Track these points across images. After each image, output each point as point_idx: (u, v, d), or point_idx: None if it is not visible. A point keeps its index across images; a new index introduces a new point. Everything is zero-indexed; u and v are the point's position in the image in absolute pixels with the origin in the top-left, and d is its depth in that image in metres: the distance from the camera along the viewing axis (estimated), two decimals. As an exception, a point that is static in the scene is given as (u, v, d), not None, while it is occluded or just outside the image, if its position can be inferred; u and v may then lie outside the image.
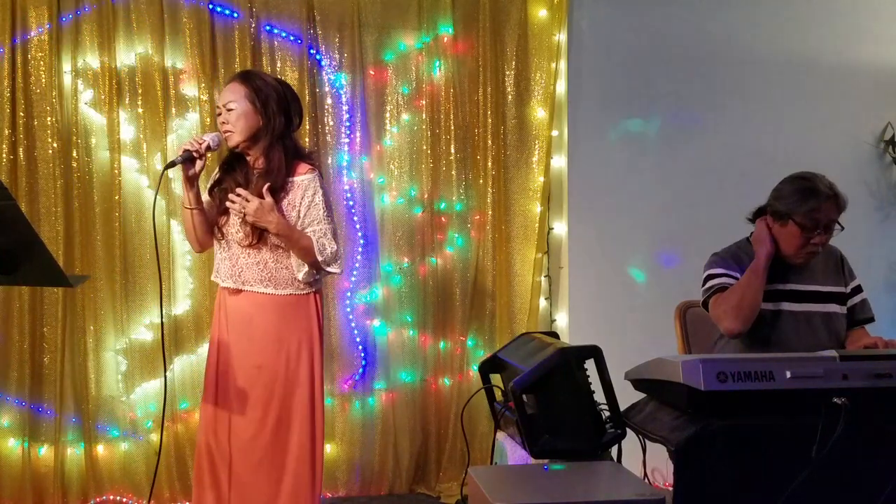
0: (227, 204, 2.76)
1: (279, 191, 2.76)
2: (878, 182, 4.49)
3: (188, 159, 2.70)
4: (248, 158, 2.83)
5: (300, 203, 2.77)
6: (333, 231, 2.81)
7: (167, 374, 3.79)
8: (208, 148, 2.74)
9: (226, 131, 2.76)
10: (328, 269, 2.81)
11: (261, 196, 2.70)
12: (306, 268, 2.79)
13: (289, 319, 2.80)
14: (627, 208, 4.20)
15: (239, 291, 2.80)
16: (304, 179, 2.79)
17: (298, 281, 2.80)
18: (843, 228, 2.77)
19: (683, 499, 2.03)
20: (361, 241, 4.00)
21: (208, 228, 2.84)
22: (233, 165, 2.85)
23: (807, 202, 2.71)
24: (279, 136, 2.79)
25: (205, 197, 2.87)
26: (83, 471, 3.74)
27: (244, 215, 2.70)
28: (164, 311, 3.80)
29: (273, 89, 2.80)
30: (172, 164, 2.71)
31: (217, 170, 2.91)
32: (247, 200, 2.68)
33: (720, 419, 2.00)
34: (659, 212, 4.22)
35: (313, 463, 2.82)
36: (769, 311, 2.78)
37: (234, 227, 2.79)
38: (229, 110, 2.75)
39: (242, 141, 2.77)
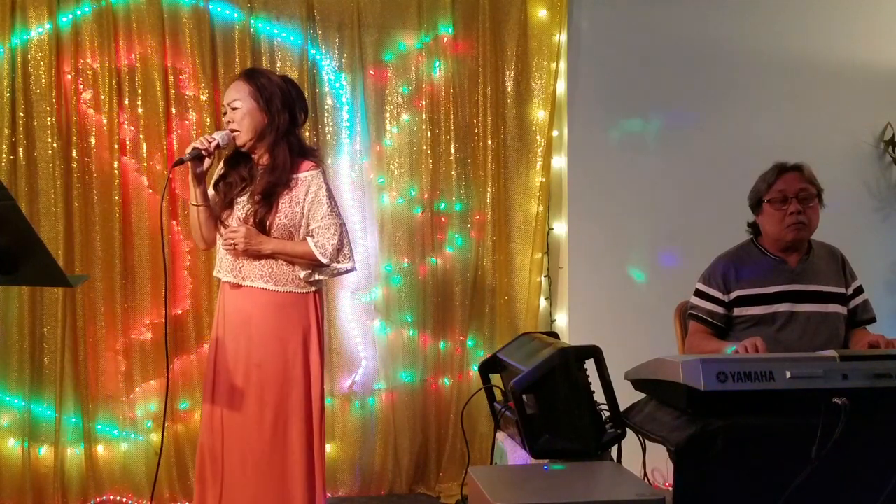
0: (223, 243, 2.82)
1: (283, 187, 2.77)
2: (878, 182, 4.49)
3: (197, 157, 2.72)
4: (253, 156, 2.84)
5: (304, 199, 2.79)
6: (338, 226, 2.81)
7: (171, 374, 3.79)
8: (217, 146, 2.76)
9: (232, 130, 2.78)
10: (337, 265, 2.81)
11: (257, 203, 2.75)
12: (310, 268, 2.80)
13: (288, 318, 2.81)
14: (627, 208, 4.20)
15: (239, 286, 2.81)
16: (307, 176, 2.81)
17: (299, 279, 2.81)
18: (822, 201, 2.84)
19: (683, 499, 2.04)
20: (361, 242, 4.00)
21: (214, 225, 2.86)
22: (237, 161, 2.86)
23: (767, 179, 2.87)
24: (284, 134, 2.81)
25: (210, 192, 2.89)
26: (83, 471, 3.73)
27: (235, 247, 2.75)
28: (164, 311, 3.81)
29: (277, 86, 2.81)
30: (181, 161, 2.73)
31: (221, 165, 2.91)
32: (234, 233, 2.75)
33: (720, 419, 2.00)
34: (659, 212, 4.22)
35: (314, 462, 2.82)
36: (770, 312, 2.80)
37: (237, 222, 2.79)
38: (234, 109, 2.78)
39: (248, 140, 2.78)
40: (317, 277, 2.84)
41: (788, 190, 2.80)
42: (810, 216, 2.81)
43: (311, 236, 2.80)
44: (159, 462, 2.94)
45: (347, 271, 2.89)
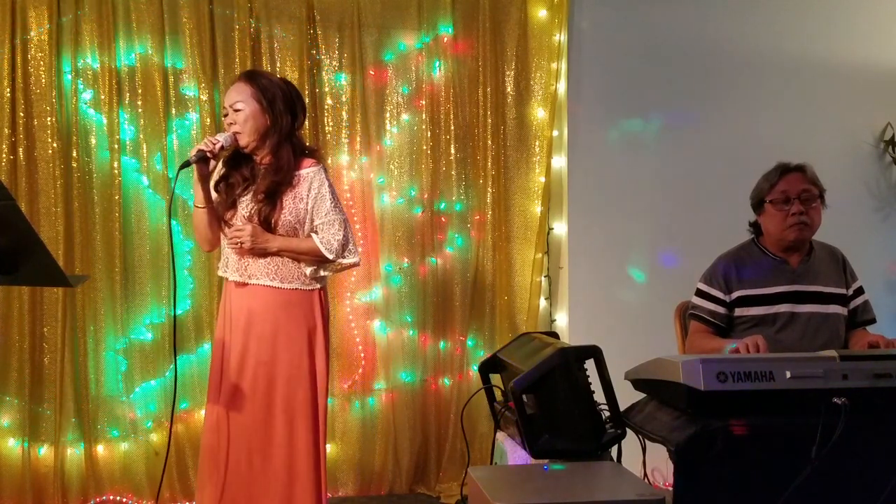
0: (227, 243, 2.82)
1: (285, 186, 2.77)
2: (878, 182, 4.49)
3: (202, 159, 2.73)
4: (254, 157, 2.84)
5: (307, 195, 2.79)
6: (342, 221, 2.83)
7: (169, 373, 3.80)
8: (221, 148, 2.76)
9: (234, 132, 2.78)
10: (343, 261, 2.83)
11: (261, 202, 2.76)
12: (315, 265, 2.81)
13: (294, 316, 2.81)
14: (627, 208, 4.20)
15: (245, 285, 2.81)
16: (309, 172, 2.82)
17: (305, 276, 2.81)
18: (824, 201, 2.84)
19: (683, 499, 2.03)
20: (361, 241, 4.00)
21: (218, 226, 2.86)
22: (238, 161, 2.87)
23: (769, 179, 2.86)
24: (286, 135, 2.81)
25: (213, 194, 2.89)
26: (83, 471, 3.73)
27: (241, 245, 2.75)
28: (164, 312, 3.81)
29: (278, 88, 2.82)
30: (187, 164, 2.73)
31: (221, 165, 2.92)
32: (240, 231, 2.75)
33: (720, 419, 2.00)
34: (659, 212, 4.22)
35: (318, 460, 2.82)
36: (771, 312, 2.80)
37: (241, 221, 2.80)
38: (237, 111, 2.78)
39: (251, 141, 2.79)
40: (322, 273, 2.85)
41: (791, 191, 2.80)
42: (812, 217, 2.81)
43: (315, 233, 2.81)
44: (166, 462, 2.94)
45: (352, 266, 2.90)
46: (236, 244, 2.77)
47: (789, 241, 2.83)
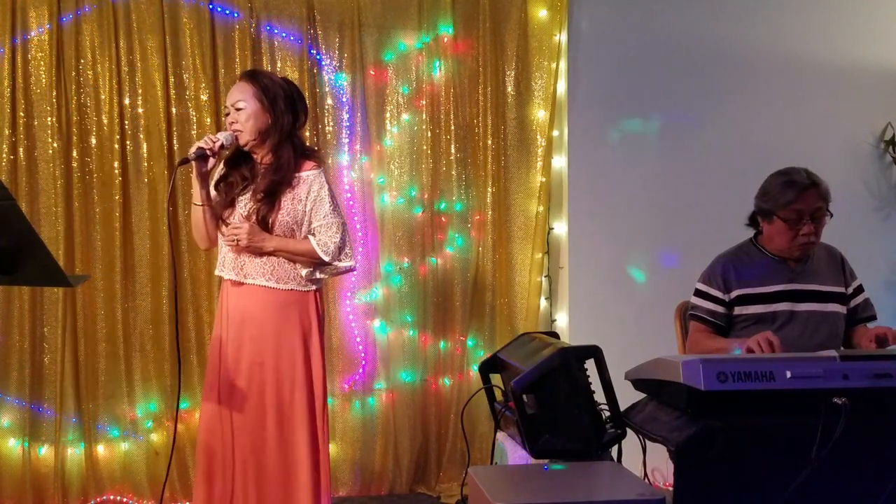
0: (224, 241, 2.81)
1: (285, 186, 2.77)
2: (878, 182, 4.49)
3: (201, 157, 2.73)
4: (255, 156, 2.85)
5: (306, 198, 2.79)
6: (340, 225, 2.83)
7: (172, 374, 3.79)
8: (221, 146, 2.76)
9: (235, 130, 2.79)
10: (339, 263, 2.82)
11: (260, 201, 2.76)
12: (311, 266, 2.81)
13: (289, 316, 2.81)
14: (627, 208, 4.20)
15: (241, 284, 2.81)
16: (309, 175, 2.82)
17: (301, 277, 2.81)
18: (831, 215, 2.80)
19: (683, 499, 2.03)
20: (361, 241, 4.00)
21: (217, 224, 2.86)
22: (238, 160, 2.87)
23: (785, 195, 2.76)
24: (287, 134, 2.81)
25: (212, 193, 2.89)
26: (83, 471, 3.74)
27: (237, 243, 2.75)
28: (165, 311, 3.80)
29: (280, 87, 2.82)
30: (186, 161, 2.73)
31: (222, 165, 2.92)
32: (237, 229, 2.74)
33: (720, 419, 2.00)
34: (659, 212, 4.22)
35: (317, 461, 2.81)
36: (770, 311, 2.80)
37: (239, 220, 2.80)
38: (238, 110, 2.78)
39: (252, 140, 2.79)
40: (318, 276, 2.85)
41: (805, 210, 2.75)
42: (819, 233, 2.80)
43: (313, 235, 2.81)
44: (170, 463, 2.93)
45: (348, 270, 2.90)
46: (233, 241, 2.77)
47: (794, 257, 2.83)
